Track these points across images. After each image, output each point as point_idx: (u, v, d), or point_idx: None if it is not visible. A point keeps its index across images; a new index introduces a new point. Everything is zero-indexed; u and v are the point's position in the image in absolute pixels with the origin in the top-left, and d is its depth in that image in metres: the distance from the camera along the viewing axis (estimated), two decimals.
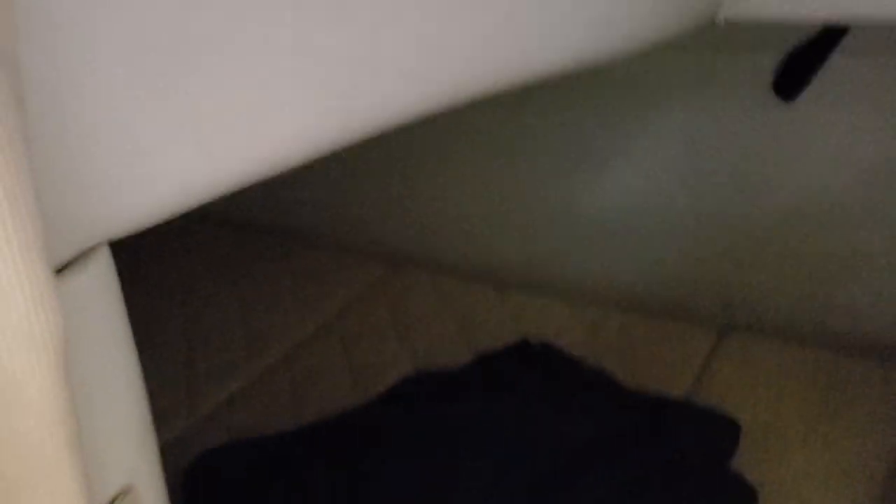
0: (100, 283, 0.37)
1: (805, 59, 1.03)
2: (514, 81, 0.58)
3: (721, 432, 0.94)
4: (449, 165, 1.44)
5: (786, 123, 1.10)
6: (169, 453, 1.02)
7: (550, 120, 1.28)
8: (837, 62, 1.03)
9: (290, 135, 0.43)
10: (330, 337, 1.31)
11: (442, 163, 1.45)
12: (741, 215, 1.18)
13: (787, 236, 1.16)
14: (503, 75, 0.57)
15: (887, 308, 1.11)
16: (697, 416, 0.97)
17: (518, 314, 1.30)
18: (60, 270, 0.35)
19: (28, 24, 0.30)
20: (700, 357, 1.11)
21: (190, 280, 1.56)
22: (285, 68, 0.40)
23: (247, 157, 0.41)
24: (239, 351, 1.29)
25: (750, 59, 1.09)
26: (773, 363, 1.10)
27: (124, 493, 0.38)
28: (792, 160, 1.12)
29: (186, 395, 1.18)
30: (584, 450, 0.87)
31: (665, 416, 0.95)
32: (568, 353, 1.11)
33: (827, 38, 1.00)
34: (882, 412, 0.99)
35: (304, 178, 1.60)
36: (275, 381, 1.20)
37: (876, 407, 1.00)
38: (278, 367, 1.24)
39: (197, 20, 0.36)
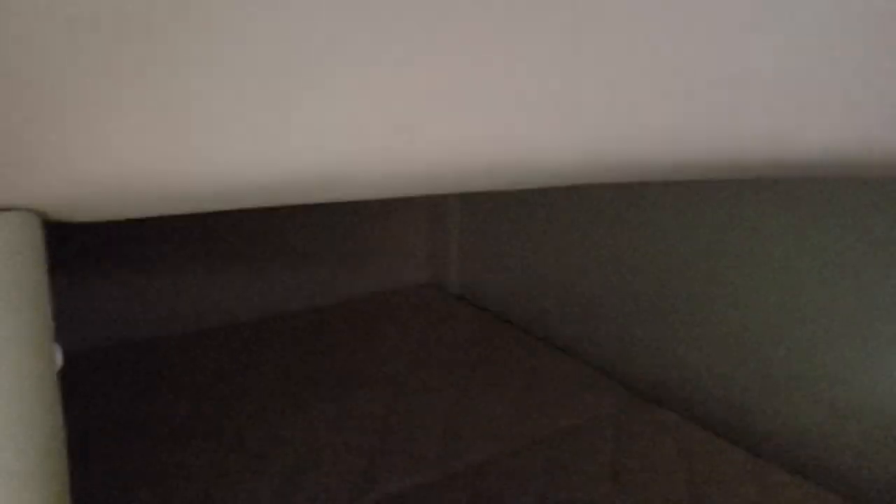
0: (7, 248, 0.30)
1: None
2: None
3: None
4: (725, 304, 1.21)
5: None
6: None
7: (848, 281, 1.01)
8: None
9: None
10: (532, 459, 1.13)
11: (716, 300, 1.22)
12: None
13: None
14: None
15: None
16: None
17: (771, 493, 1.02)
18: None
19: None
20: None
21: (415, 354, 1.49)
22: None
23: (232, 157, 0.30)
24: (433, 446, 1.16)
25: None
26: None
27: None
28: None
29: (361, 478, 1.08)
30: None
31: None
32: None
33: None
34: None
35: (570, 282, 1.51)
36: (454, 490, 1.06)
37: None
38: (464, 475, 1.09)
39: None
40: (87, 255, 1.42)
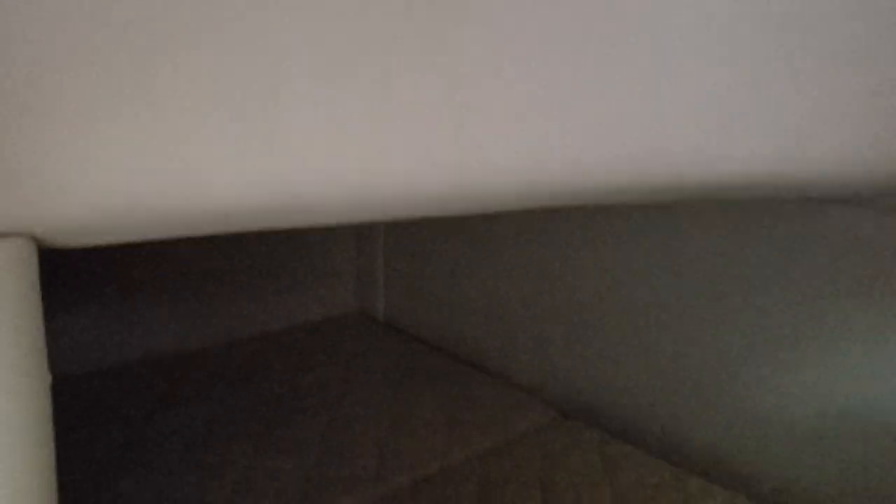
0: (4, 275, 0.31)
1: None
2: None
3: None
4: (647, 325, 1.28)
5: None
6: None
7: (763, 296, 1.09)
8: None
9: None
10: (466, 477, 1.16)
11: (637, 321, 1.29)
12: None
13: None
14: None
15: None
16: None
17: (692, 501, 1.08)
18: None
19: None
20: None
21: (348, 381, 1.50)
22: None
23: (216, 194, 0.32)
24: (370, 466, 1.18)
25: None
26: None
27: None
28: None
29: (299, 502, 1.09)
30: None
31: None
32: None
33: None
34: None
35: (494, 307, 1.55)
36: None
37: None
38: (401, 494, 1.12)
39: None
40: None
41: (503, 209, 0.47)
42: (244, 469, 1.17)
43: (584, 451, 1.23)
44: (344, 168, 0.35)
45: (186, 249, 1.60)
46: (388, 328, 1.83)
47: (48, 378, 0.34)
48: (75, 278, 1.49)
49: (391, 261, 1.84)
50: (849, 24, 0.44)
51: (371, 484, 1.14)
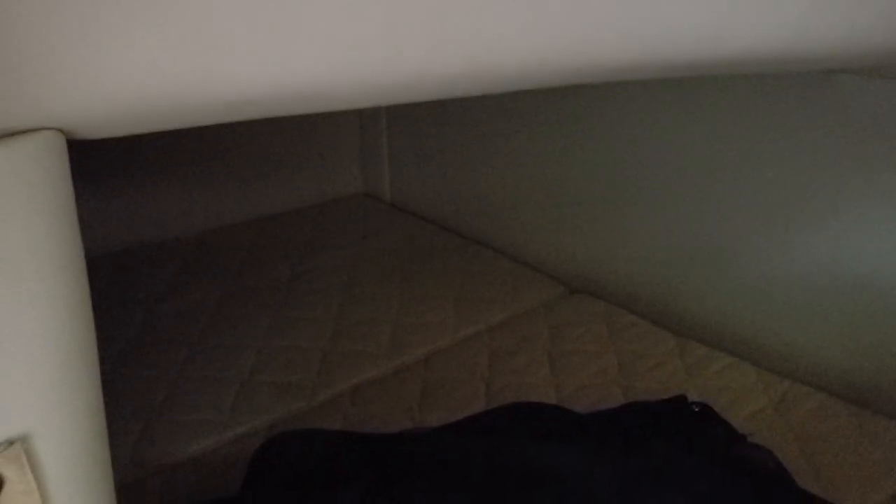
0: (34, 166, 0.32)
1: None
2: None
3: None
4: (647, 202, 1.29)
5: None
6: (281, 429, 0.98)
7: (765, 165, 1.09)
8: None
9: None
10: (477, 349, 1.20)
11: (639, 198, 1.30)
12: None
13: None
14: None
15: None
16: None
17: (695, 368, 1.13)
18: None
19: None
20: None
21: (358, 262, 1.53)
22: None
23: (248, 77, 0.33)
24: (382, 342, 1.23)
25: None
26: None
27: (3, 445, 0.31)
28: None
29: (318, 375, 1.14)
30: None
31: None
32: (730, 425, 0.93)
33: None
34: None
35: (501, 187, 1.56)
36: (408, 379, 1.12)
37: None
38: (415, 366, 1.16)
39: None
40: None
41: (508, 89, 0.47)
42: (261, 347, 1.21)
43: (590, 322, 1.27)
44: (359, 53, 0.35)
45: (193, 135, 1.60)
46: (394, 209, 1.85)
47: (83, 261, 0.35)
48: (84, 164, 1.50)
49: (395, 143, 1.83)
50: None
51: (386, 358, 1.18)
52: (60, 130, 0.33)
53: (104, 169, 1.52)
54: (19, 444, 0.31)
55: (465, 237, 1.65)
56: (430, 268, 1.50)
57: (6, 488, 0.31)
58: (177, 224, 1.65)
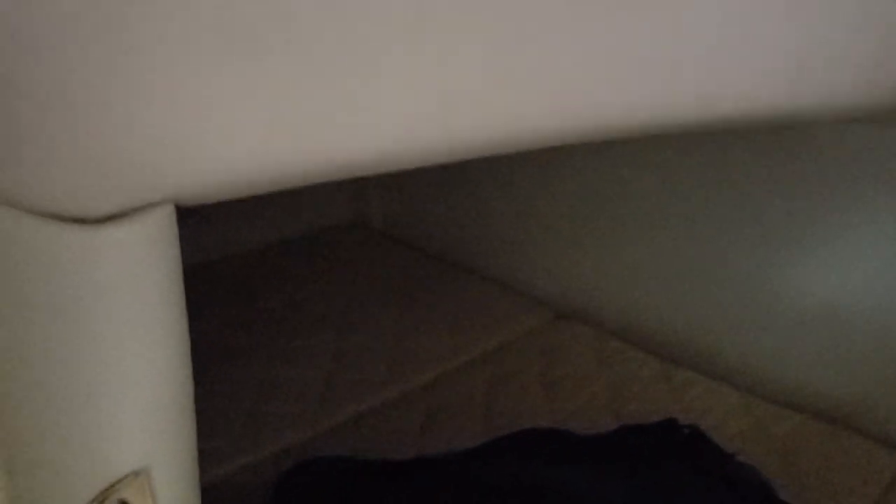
0: (152, 241, 0.35)
1: None
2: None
3: None
4: (634, 228, 1.35)
5: None
6: (286, 457, 1.02)
7: (752, 194, 1.16)
8: None
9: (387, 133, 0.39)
10: (475, 375, 1.26)
11: (626, 225, 1.36)
12: None
13: None
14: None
15: None
16: None
17: (680, 391, 1.19)
18: (112, 218, 0.34)
19: None
20: (880, 485, 0.94)
21: (352, 291, 1.58)
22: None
23: (342, 148, 0.38)
24: (381, 371, 1.27)
25: None
26: None
27: (132, 476, 0.35)
28: None
29: (320, 406, 1.18)
30: None
31: None
32: (718, 445, 0.99)
33: None
34: None
35: (489, 214, 1.62)
36: (409, 407, 1.17)
37: None
38: (416, 394, 1.21)
39: None
40: None
41: (509, 151, 0.51)
42: (263, 379, 1.25)
43: (579, 347, 1.33)
44: (425, 123, 0.40)
45: None
46: (385, 237, 1.90)
47: (185, 311, 0.40)
48: None
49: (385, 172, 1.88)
50: None
51: (384, 387, 1.23)
52: (172, 202, 0.37)
53: None
54: (144, 476, 0.36)
55: (455, 264, 1.70)
56: (422, 296, 1.55)
57: None
58: None
